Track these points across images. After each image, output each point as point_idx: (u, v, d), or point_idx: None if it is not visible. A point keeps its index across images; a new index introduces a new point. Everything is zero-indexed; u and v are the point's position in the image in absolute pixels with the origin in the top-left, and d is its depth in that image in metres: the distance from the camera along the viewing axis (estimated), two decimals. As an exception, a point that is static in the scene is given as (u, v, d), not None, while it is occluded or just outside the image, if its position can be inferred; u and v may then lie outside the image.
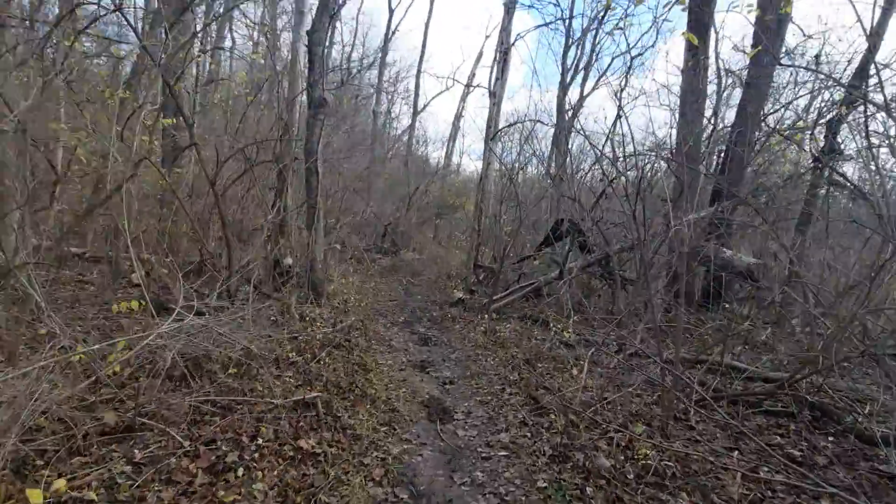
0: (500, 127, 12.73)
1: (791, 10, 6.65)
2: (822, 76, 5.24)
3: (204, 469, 2.51)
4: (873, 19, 4.94)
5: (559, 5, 14.62)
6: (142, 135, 6.62)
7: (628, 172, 6.48)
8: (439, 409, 3.93)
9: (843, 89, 7.02)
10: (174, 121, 6.74)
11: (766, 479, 2.97)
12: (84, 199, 6.37)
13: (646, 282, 4.58)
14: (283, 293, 6.00)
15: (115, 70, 6.88)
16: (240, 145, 5.54)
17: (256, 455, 2.67)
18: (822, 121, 7.29)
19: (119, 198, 4.00)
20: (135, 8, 9.55)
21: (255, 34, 11.96)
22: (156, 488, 2.35)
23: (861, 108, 7.00)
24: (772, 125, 8.13)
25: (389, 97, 25.28)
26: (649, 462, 2.96)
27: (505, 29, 12.74)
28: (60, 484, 2.14)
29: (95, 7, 4.44)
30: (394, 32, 21.98)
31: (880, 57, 7.58)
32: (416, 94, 22.28)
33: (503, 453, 3.24)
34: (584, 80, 15.52)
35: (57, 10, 7.72)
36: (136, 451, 2.63)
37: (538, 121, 11.27)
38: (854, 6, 3.76)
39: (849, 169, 8.90)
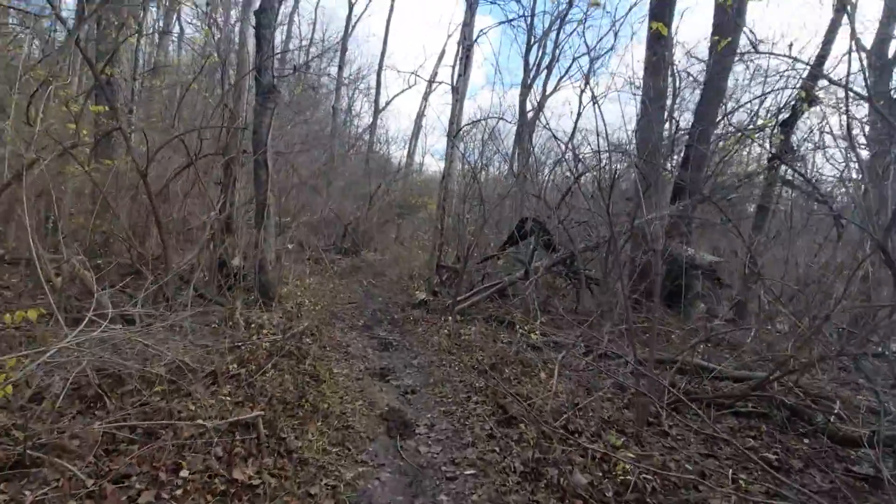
0: (463, 125, 12.51)
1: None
2: (790, 60, 5.26)
3: (110, 513, 2.07)
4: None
5: (521, 2, 14.46)
6: (66, 122, 5.94)
7: (594, 170, 6.33)
8: (400, 423, 3.58)
9: (800, 87, 7.18)
10: (104, 108, 6.07)
11: (746, 489, 2.80)
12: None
13: (620, 280, 4.40)
14: (228, 297, 5.48)
15: (31, 48, 6.12)
16: (178, 133, 4.98)
17: (179, 492, 2.24)
18: (781, 117, 7.42)
19: (20, 189, 3.42)
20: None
21: (202, 21, 11.20)
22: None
23: (816, 108, 7.18)
24: (730, 124, 8.23)
25: (350, 94, 24.63)
26: (628, 477, 2.72)
27: (467, 25, 12.50)
28: None
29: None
30: (353, 27, 21.41)
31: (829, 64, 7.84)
32: (378, 92, 21.79)
33: (470, 472, 2.93)
34: (547, 78, 15.52)
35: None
36: (27, 492, 2.16)
37: (501, 118, 11.09)
38: None
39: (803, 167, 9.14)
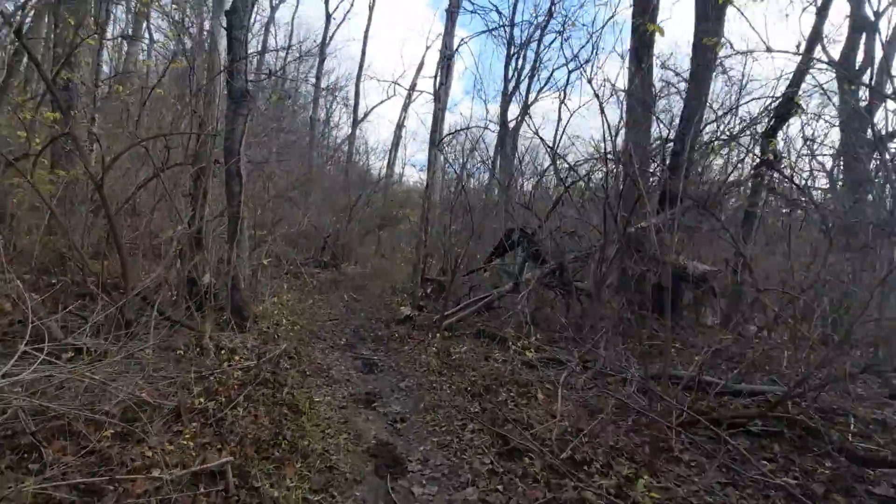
0: (445, 134, 12.30)
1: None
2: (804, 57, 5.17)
3: None
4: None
5: (501, 13, 14.41)
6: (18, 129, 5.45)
7: (585, 178, 6.11)
8: (390, 459, 3.21)
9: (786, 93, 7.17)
10: (60, 115, 5.58)
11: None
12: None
13: (618, 292, 4.15)
14: (197, 319, 5.02)
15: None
16: (140, 139, 4.56)
17: (125, 570, 1.84)
18: (765, 123, 7.39)
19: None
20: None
21: (173, 28, 10.72)
22: None
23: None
24: (714, 131, 8.20)
25: (328, 105, 24.27)
26: (651, 519, 2.42)
27: (449, 34, 12.40)
28: None
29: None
30: (331, 38, 21.13)
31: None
32: (356, 103, 21.46)
33: (472, 518, 2.58)
34: (528, 89, 15.48)
35: None
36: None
37: (486, 127, 10.89)
38: None
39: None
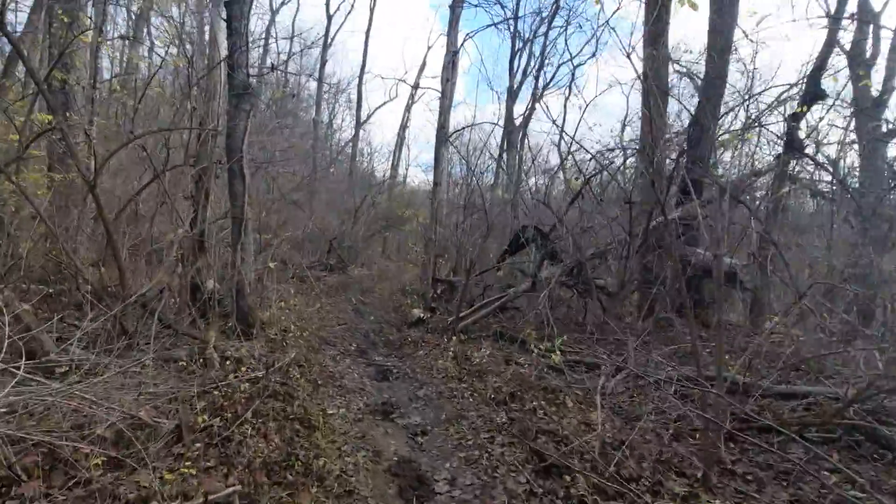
0: (451, 131, 12.01)
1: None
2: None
3: None
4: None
5: (505, 6, 14.06)
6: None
7: (608, 168, 5.78)
8: (413, 479, 2.90)
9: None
10: (52, 118, 5.30)
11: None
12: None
13: (681, 288, 3.83)
14: (201, 327, 4.73)
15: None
16: (136, 136, 4.28)
17: None
18: (789, 111, 7.04)
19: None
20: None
21: (172, 31, 10.51)
22: None
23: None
24: (733, 119, 7.85)
25: (331, 107, 24.05)
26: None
27: (453, 28, 12.13)
28: None
29: None
30: (332, 39, 20.89)
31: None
32: (359, 105, 21.21)
33: (514, 549, 2.27)
34: (535, 83, 15.15)
35: None
36: None
37: (496, 123, 10.58)
38: None
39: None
